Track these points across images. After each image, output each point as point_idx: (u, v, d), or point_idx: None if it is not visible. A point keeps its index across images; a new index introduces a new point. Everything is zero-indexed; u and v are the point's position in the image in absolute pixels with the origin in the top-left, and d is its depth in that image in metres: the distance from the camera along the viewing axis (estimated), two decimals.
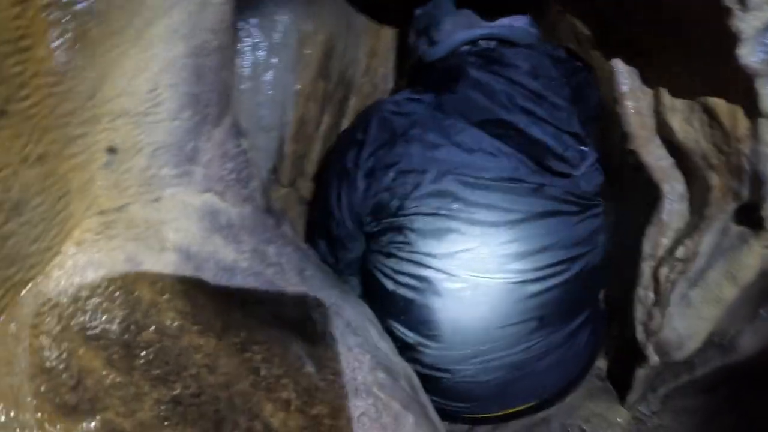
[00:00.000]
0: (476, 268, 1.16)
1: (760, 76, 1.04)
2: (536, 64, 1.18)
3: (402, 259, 1.18)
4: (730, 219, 1.22)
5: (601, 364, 1.53)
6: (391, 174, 1.15)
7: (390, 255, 1.20)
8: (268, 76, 1.33)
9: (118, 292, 0.69)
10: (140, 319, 0.69)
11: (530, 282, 1.18)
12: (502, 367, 1.23)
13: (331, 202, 1.24)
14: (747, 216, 1.21)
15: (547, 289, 1.19)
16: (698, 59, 1.13)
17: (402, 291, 1.20)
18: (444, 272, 1.16)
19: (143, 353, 0.67)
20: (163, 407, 0.66)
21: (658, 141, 1.28)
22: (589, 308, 1.32)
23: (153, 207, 0.80)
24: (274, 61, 1.33)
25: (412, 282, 1.18)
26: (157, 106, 0.79)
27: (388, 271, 1.21)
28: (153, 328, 0.69)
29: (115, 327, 0.67)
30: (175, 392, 0.68)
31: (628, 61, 1.26)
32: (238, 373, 0.73)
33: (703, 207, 1.22)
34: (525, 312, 1.19)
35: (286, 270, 0.87)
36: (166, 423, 0.66)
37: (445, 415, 1.29)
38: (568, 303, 1.24)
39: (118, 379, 0.65)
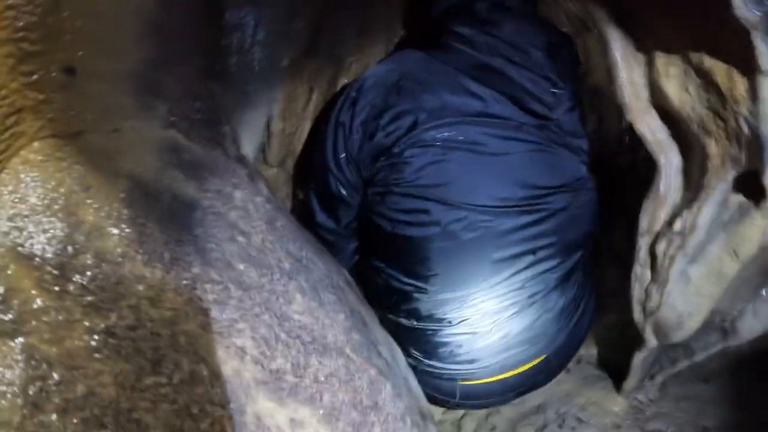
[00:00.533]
0: (470, 198, 1.18)
1: (756, 30, 0.97)
2: (520, 24, 1.23)
3: (401, 194, 1.19)
4: (730, 190, 1.13)
5: (597, 352, 1.44)
6: (387, 117, 1.19)
7: (388, 193, 1.21)
8: (256, 51, 1.27)
9: (60, 214, 0.62)
10: (80, 242, 0.61)
11: (521, 212, 1.19)
12: (499, 311, 1.21)
13: (328, 158, 1.26)
14: (748, 186, 1.13)
15: (539, 221, 1.20)
16: (691, 19, 1.06)
17: (401, 229, 1.21)
18: (441, 202, 1.17)
19: (78, 277, 0.59)
20: (94, 337, 0.58)
21: (653, 112, 1.20)
22: (582, 251, 1.30)
23: (110, 137, 0.73)
24: (260, 36, 1.27)
25: (410, 218, 1.20)
26: (120, 31, 0.73)
27: (387, 212, 1.22)
28: (92, 252, 0.62)
29: (51, 248, 0.60)
30: (110, 322, 0.60)
31: (619, 29, 1.19)
32: (185, 312, 0.65)
33: (701, 177, 1.14)
34: (518, 243, 1.20)
35: (252, 216, 0.79)
36: (96, 355, 0.58)
37: (440, 390, 1.27)
38: (560, 238, 1.23)
39: (47, 302, 0.57)
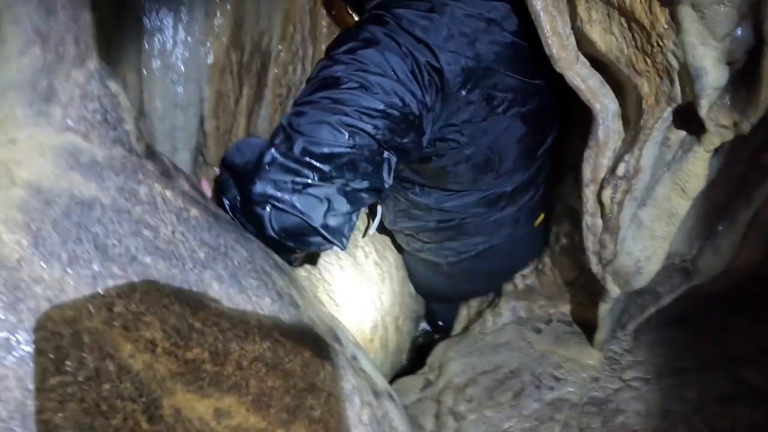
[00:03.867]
0: None
1: None
2: None
3: None
4: (669, 127, 1.11)
5: (566, 309, 1.41)
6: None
7: None
8: (178, 52, 1.26)
9: None
10: None
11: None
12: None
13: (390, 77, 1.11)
14: (686, 122, 1.10)
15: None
16: None
17: None
18: None
19: None
20: None
21: (582, 60, 1.17)
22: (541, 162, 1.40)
23: (6, 148, 0.71)
24: (181, 36, 1.26)
25: None
26: (1, 43, 0.72)
27: None
28: None
29: None
30: (10, 326, 0.58)
31: None
32: (87, 309, 0.63)
33: (639, 118, 1.11)
34: None
35: (161, 210, 0.77)
36: None
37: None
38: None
39: None
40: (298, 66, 1.40)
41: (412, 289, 1.69)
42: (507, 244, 1.50)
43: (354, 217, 1.10)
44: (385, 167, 1.10)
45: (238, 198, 1.02)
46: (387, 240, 1.62)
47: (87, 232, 0.68)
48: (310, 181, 1.01)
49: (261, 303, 0.80)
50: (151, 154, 0.86)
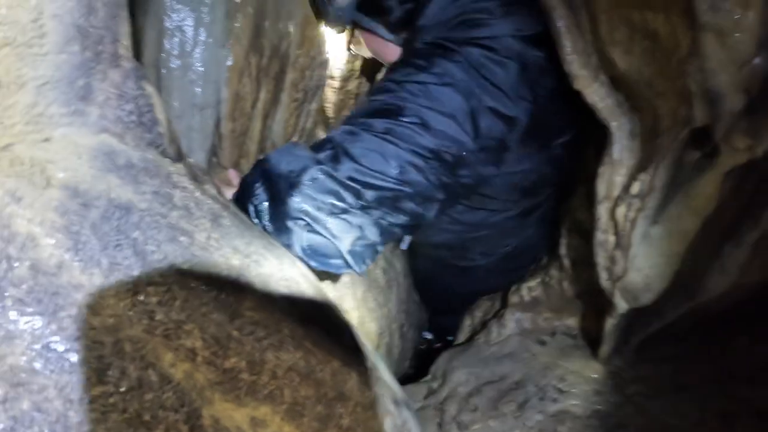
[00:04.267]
0: None
1: None
2: None
3: None
4: (684, 149, 1.12)
5: (571, 322, 1.43)
6: None
7: None
8: (198, 52, 1.24)
9: None
10: (14, 254, 0.59)
11: None
12: None
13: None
14: (701, 143, 1.12)
15: None
16: None
17: None
18: None
19: (13, 291, 0.57)
20: (35, 351, 0.56)
21: (602, 78, 1.19)
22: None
23: (41, 147, 0.70)
24: (202, 37, 1.25)
25: None
26: (41, 38, 0.70)
27: None
28: (28, 264, 0.59)
29: None
30: (49, 335, 0.57)
31: None
32: (128, 317, 0.62)
33: (655, 138, 1.13)
34: None
35: (195, 215, 0.76)
36: (38, 368, 0.55)
37: None
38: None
39: None
40: (315, 71, 1.39)
41: (417, 298, 1.69)
42: (531, 240, 1.57)
43: (380, 249, 1.09)
44: (433, 206, 1.10)
45: (268, 206, 1.00)
46: (394, 247, 1.62)
47: (126, 237, 0.67)
48: (349, 207, 1.00)
49: (292, 311, 0.79)
50: (181, 157, 0.85)
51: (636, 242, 1.16)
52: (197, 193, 0.80)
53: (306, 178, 0.99)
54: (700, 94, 1.03)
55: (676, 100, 1.08)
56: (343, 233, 0.99)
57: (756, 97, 1.02)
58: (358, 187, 1.00)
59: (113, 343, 0.61)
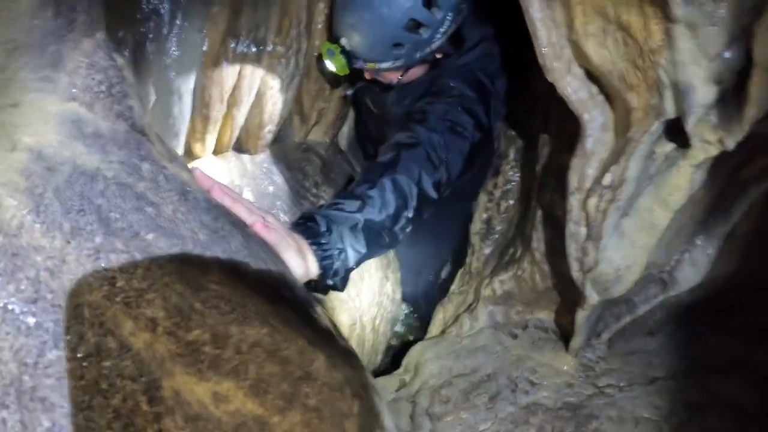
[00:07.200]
0: None
1: None
2: None
3: None
4: (655, 141, 1.13)
5: (542, 315, 1.42)
6: None
7: None
8: (174, 37, 1.22)
9: None
10: None
11: None
12: None
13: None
14: (672, 136, 1.13)
15: None
16: None
17: None
18: None
19: None
20: None
21: (575, 71, 1.19)
22: None
23: (8, 111, 0.68)
24: (178, 21, 1.23)
25: None
26: (13, 1, 0.69)
27: None
28: None
29: None
30: (7, 295, 0.55)
31: None
32: (88, 282, 0.60)
33: (626, 131, 1.13)
34: None
35: (162, 188, 0.74)
36: None
37: None
38: None
39: None
40: (291, 60, 1.38)
41: (390, 291, 1.68)
42: None
43: None
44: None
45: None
46: None
47: (90, 203, 0.65)
48: None
49: (258, 288, 0.78)
50: (151, 132, 0.83)
51: (607, 233, 1.16)
52: (166, 168, 0.78)
53: None
54: (671, 86, 1.04)
55: (648, 92, 1.08)
56: None
57: (726, 90, 1.03)
58: None
59: (72, 307, 0.58)
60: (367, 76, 1.58)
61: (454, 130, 1.35)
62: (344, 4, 1.39)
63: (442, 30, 1.41)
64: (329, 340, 0.88)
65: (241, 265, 0.78)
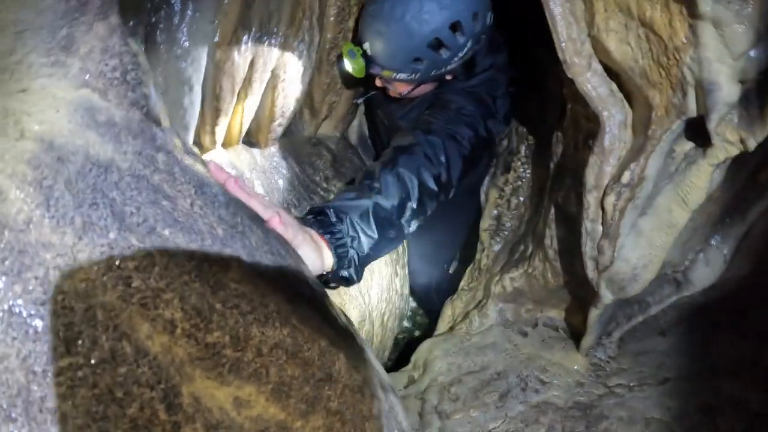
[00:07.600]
0: None
1: None
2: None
3: None
4: (675, 140, 1.09)
5: (553, 314, 1.38)
6: None
7: None
8: (185, 27, 1.17)
9: None
10: None
11: None
12: None
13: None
14: (693, 135, 1.09)
15: None
16: None
17: None
18: None
19: None
20: None
21: (595, 67, 1.15)
22: None
23: (17, 97, 0.62)
24: (189, 11, 1.17)
25: None
26: None
27: None
28: None
29: None
30: (13, 297, 0.50)
31: None
32: (102, 282, 0.55)
33: (647, 128, 1.08)
34: None
35: (179, 180, 0.69)
36: None
37: None
38: None
39: None
40: (303, 52, 1.32)
41: (398, 286, 1.63)
42: None
43: None
44: None
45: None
46: None
47: (104, 196, 0.60)
48: None
49: (279, 286, 0.73)
50: (166, 122, 0.78)
51: (624, 232, 1.12)
52: (182, 159, 0.73)
53: None
54: (694, 84, 1.00)
55: (670, 90, 1.04)
56: None
57: (750, 89, 0.99)
58: None
59: (84, 309, 0.53)
60: (378, 83, 1.60)
61: (454, 138, 1.38)
62: (374, 12, 1.43)
63: (460, 54, 1.48)
64: (348, 339, 0.84)
65: (260, 261, 0.73)
